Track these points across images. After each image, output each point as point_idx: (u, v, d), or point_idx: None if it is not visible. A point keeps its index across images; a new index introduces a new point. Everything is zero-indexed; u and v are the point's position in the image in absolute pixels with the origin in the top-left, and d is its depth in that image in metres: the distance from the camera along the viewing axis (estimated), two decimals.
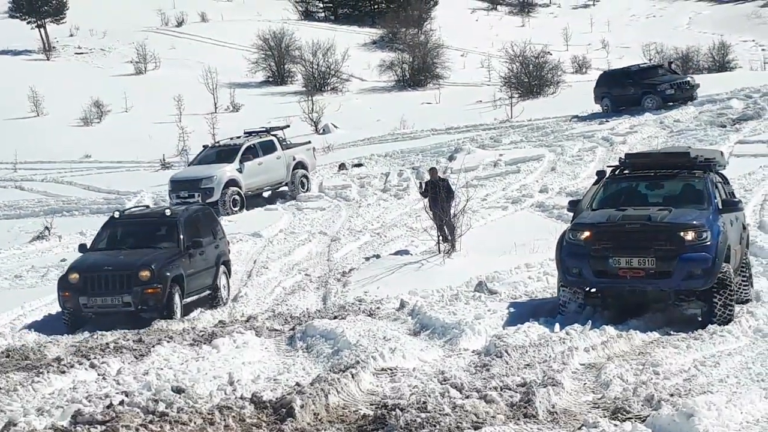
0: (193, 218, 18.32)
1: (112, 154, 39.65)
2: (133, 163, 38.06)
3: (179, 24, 74.99)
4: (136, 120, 47.87)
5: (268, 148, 29.04)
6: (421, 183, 22.10)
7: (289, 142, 30.63)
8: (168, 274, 16.57)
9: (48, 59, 65.36)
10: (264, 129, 30.74)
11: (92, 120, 48.58)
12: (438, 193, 20.12)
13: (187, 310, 17.40)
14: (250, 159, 28.17)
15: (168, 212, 18.18)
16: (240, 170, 27.77)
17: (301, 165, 29.84)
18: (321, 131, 42.27)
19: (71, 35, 70.29)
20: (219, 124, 40.86)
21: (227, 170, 27.49)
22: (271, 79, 61.39)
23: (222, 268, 18.60)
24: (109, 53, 67.04)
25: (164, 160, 36.84)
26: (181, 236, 17.47)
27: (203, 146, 30.69)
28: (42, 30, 67.00)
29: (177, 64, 62.49)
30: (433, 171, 21.36)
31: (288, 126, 32.86)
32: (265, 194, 29.61)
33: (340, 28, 75.05)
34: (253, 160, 28.28)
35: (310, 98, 45.93)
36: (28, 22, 67.66)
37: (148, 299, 16.34)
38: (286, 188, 29.61)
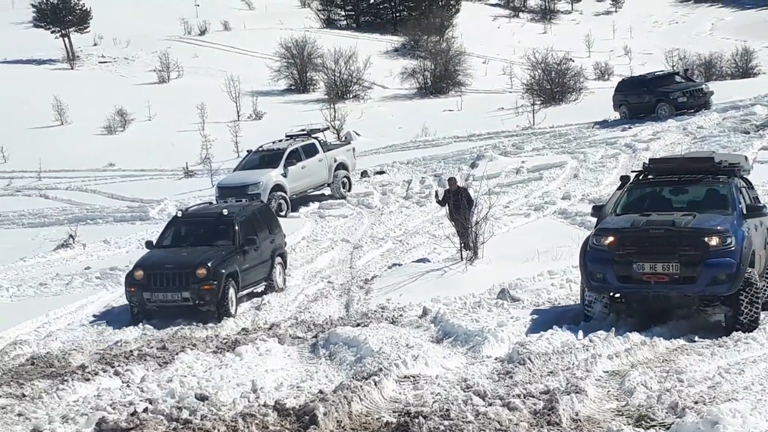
0: (248, 217, 19.49)
1: (135, 163, 39.90)
2: (157, 171, 38.25)
3: (202, 33, 75.39)
4: (160, 128, 48.13)
5: (310, 151, 29.40)
6: (437, 192, 22.12)
7: (329, 144, 30.90)
8: (223, 271, 17.64)
9: (72, 68, 65.83)
10: (305, 132, 31.19)
11: (116, 128, 48.89)
12: (459, 201, 20.14)
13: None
14: (293, 163, 28.48)
15: (225, 212, 19.26)
16: (285, 175, 28.10)
17: (342, 166, 30.29)
18: (343, 139, 42.33)
19: (95, 44, 70.77)
20: (242, 132, 41.02)
21: (273, 175, 27.82)
22: (293, 87, 61.61)
23: (278, 259, 19.81)
24: (132, 62, 67.46)
25: (187, 168, 36.99)
26: (237, 234, 18.64)
27: (247, 151, 31.14)
28: (66, 39, 67.52)
29: (200, 73, 62.85)
30: (452, 181, 21.34)
31: (328, 128, 33.09)
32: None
33: (362, 35, 75.22)
34: (297, 164, 28.59)
35: (332, 106, 46.00)
36: (52, 32, 68.20)
37: (204, 295, 17.42)
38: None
